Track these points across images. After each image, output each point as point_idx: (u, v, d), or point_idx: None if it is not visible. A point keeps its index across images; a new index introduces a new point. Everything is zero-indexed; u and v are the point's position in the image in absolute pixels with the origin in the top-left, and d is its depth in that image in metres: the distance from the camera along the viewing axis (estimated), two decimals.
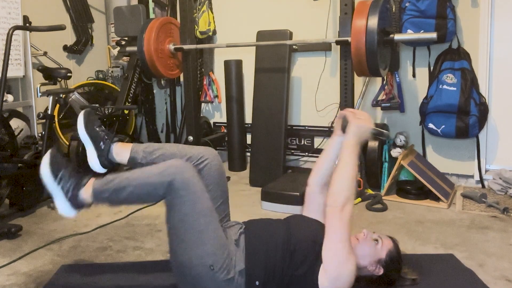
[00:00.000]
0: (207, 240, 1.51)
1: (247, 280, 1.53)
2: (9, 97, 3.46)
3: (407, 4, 2.96)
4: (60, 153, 1.68)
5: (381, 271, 1.58)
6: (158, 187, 1.53)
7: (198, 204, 1.53)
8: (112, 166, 1.80)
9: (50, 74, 3.26)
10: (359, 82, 3.27)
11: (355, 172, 1.57)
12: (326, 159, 1.85)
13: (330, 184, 1.58)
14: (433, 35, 2.59)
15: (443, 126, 2.95)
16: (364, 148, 3.00)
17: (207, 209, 1.55)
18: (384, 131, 1.75)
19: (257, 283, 1.53)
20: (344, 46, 2.68)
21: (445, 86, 2.94)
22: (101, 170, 1.77)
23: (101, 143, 1.75)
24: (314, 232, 1.64)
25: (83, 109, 1.82)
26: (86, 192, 1.59)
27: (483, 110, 2.90)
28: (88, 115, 1.77)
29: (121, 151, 1.76)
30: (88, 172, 1.70)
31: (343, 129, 1.73)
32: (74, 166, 1.67)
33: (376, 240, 1.61)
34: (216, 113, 4.16)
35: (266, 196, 2.78)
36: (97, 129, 1.77)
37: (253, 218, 1.83)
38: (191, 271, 1.52)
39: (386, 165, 3.02)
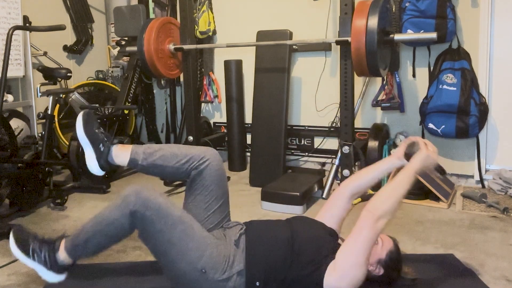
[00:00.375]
0: (190, 246, 1.52)
1: (247, 280, 1.53)
2: (9, 97, 3.47)
3: (407, 4, 2.96)
4: (21, 228, 1.71)
5: (381, 271, 1.58)
6: (122, 221, 1.53)
7: (167, 217, 1.53)
8: (111, 169, 1.79)
9: (50, 74, 3.27)
10: (359, 82, 3.27)
11: (404, 195, 1.56)
12: (372, 174, 1.82)
13: (377, 192, 1.56)
14: (433, 35, 2.59)
15: (443, 126, 2.95)
16: (364, 148, 3.00)
17: (179, 218, 1.55)
18: (444, 169, 1.76)
19: (257, 283, 1.53)
20: (344, 46, 2.68)
21: (445, 86, 2.94)
22: (100, 172, 1.76)
23: (101, 145, 1.74)
24: (319, 233, 1.64)
25: (82, 110, 1.81)
26: (62, 254, 1.62)
27: (483, 110, 2.90)
28: (87, 117, 1.76)
29: (121, 153, 1.75)
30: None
31: (408, 154, 1.71)
32: (38, 235, 1.68)
33: (376, 240, 1.60)
34: (216, 113, 4.16)
35: (266, 196, 2.78)
36: (96, 131, 1.75)
37: (253, 219, 1.83)
38: (185, 279, 1.54)
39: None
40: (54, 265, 1.60)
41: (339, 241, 1.65)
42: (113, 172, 3.46)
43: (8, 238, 2.32)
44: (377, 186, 2.04)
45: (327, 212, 1.82)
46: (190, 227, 1.56)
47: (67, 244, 1.62)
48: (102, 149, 1.73)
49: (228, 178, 3.50)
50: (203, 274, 1.51)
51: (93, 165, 1.74)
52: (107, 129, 3.40)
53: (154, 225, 1.52)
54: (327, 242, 1.60)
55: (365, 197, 2.86)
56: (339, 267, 1.47)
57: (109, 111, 3.51)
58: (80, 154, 3.13)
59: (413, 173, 1.61)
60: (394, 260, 1.60)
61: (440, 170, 1.73)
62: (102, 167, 1.74)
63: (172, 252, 1.52)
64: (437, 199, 2.77)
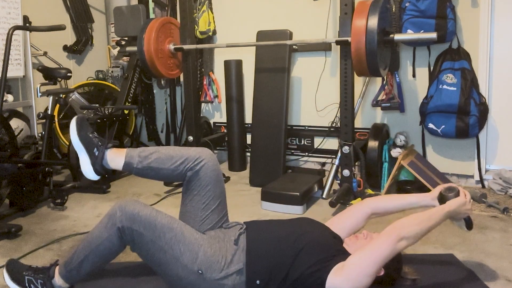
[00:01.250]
0: (182, 251, 1.54)
1: (248, 279, 1.53)
2: (9, 97, 3.47)
3: (407, 4, 2.96)
4: (14, 261, 1.73)
5: (382, 272, 1.58)
6: (111, 239, 1.56)
7: (155, 227, 1.55)
8: (106, 173, 1.79)
9: (50, 74, 3.26)
10: (359, 82, 3.27)
11: (429, 230, 1.55)
12: (398, 202, 1.83)
13: (410, 216, 1.56)
14: (433, 35, 2.59)
15: (443, 126, 2.95)
16: (364, 148, 3.00)
17: (166, 225, 1.57)
18: (473, 224, 1.78)
19: (258, 282, 1.53)
20: (344, 46, 2.68)
21: (445, 86, 2.94)
22: (95, 177, 1.77)
23: (95, 150, 1.74)
24: (325, 235, 1.65)
25: (77, 114, 1.81)
26: (58, 281, 1.65)
27: (483, 110, 2.90)
28: (80, 122, 1.76)
29: (116, 157, 1.75)
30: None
31: (442, 197, 1.71)
32: (32, 266, 1.70)
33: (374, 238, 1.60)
34: (216, 113, 4.17)
35: (266, 196, 2.78)
36: (90, 135, 1.75)
37: (253, 219, 1.83)
38: (182, 283, 1.55)
39: (386, 165, 3.02)
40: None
41: (344, 245, 1.64)
42: (112, 175, 3.46)
43: (8, 238, 2.34)
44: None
45: (340, 222, 1.82)
46: (180, 232, 1.58)
47: (61, 270, 1.65)
48: (96, 153, 1.73)
49: (228, 178, 3.50)
50: (200, 275, 1.52)
51: (87, 170, 1.75)
52: (107, 129, 3.40)
53: (143, 237, 1.54)
54: (332, 244, 1.60)
55: (365, 197, 2.86)
56: (347, 270, 1.46)
57: (109, 111, 3.51)
58: None
59: (446, 213, 1.61)
60: (395, 260, 1.60)
61: (469, 223, 1.74)
62: (97, 172, 1.74)
63: (166, 259, 1.54)
64: None
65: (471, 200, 1.72)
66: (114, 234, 1.56)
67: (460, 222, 1.76)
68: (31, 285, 1.63)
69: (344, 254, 1.54)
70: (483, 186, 3.06)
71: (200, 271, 1.52)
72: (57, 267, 1.66)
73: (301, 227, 1.66)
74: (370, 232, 1.66)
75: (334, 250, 1.55)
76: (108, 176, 3.36)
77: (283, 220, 1.78)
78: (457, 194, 1.69)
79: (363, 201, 1.88)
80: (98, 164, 1.73)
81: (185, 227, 1.62)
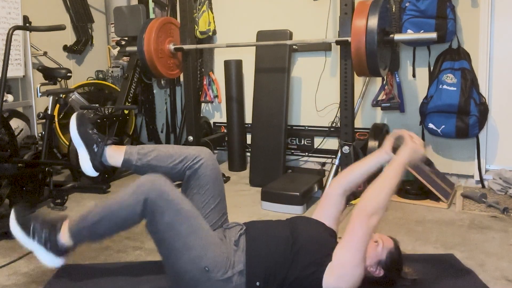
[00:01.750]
0: (195, 243, 1.52)
1: (248, 280, 1.53)
2: (9, 97, 3.47)
3: (407, 4, 2.96)
4: (23, 207, 1.68)
5: (382, 273, 1.58)
6: (134, 207, 1.52)
7: (178, 211, 1.53)
8: (105, 170, 1.79)
9: (50, 74, 3.27)
10: (359, 82, 3.27)
11: (393, 190, 1.56)
12: (360, 169, 1.82)
13: (366, 190, 1.56)
14: (433, 35, 2.59)
15: (443, 126, 2.95)
16: (364, 148, 3.00)
17: (188, 213, 1.55)
18: (432, 161, 1.77)
19: (257, 283, 1.53)
20: (344, 46, 2.68)
21: (445, 86, 2.94)
22: (94, 173, 1.76)
23: (94, 146, 1.73)
24: (320, 233, 1.64)
25: (78, 111, 1.80)
26: (63, 236, 1.59)
27: (483, 110, 2.90)
28: (80, 118, 1.75)
29: (115, 154, 1.74)
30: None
31: (395, 148, 1.71)
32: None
33: (377, 241, 1.60)
34: (216, 113, 4.17)
35: (266, 196, 2.78)
36: (90, 131, 1.75)
37: (253, 219, 1.83)
38: (186, 277, 1.53)
39: (386, 165, 3.02)
40: (53, 247, 1.58)
41: (338, 240, 1.65)
42: (112, 172, 3.46)
43: (8, 238, 2.33)
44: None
45: (323, 212, 1.82)
46: (198, 224, 1.56)
47: (72, 226, 1.59)
48: (95, 150, 1.72)
49: (228, 178, 3.50)
50: (205, 273, 1.50)
51: (86, 166, 1.74)
52: (107, 129, 3.40)
53: (164, 217, 1.51)
54: (328, 243, 1.60)
55: None
56: (336, 268, 1.47)
57: (109, 111, 3.51)
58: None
59: (401, 167, 1.61)
60: (395, 261, 1.60)
61: (428, 162, 1.73)
62: (96, 168, 1.73)
63: (177, 246, 1.51)
64: (437, 199, 2.77)
65: (420, 141, 1.69)
66: (138, 203, 1.51)
67: (421, 165, 1.77)
68: (35, 234, 1.58)
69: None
70: (483, 186, 3.06)
71: (206, 268, 1.50)
72: (66, 223, 1.61)
73: (298, 227, 1.66)
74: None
75: (330, 249, 1.55)
76: (107, 174, 3.36)
77: (280, 220, 1.78)
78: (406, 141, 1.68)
79: (331, 184, 1.87)
80: (97, 160, 1.72)
81: (202, 221, 1.60)
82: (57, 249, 1.59)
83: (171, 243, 1.53)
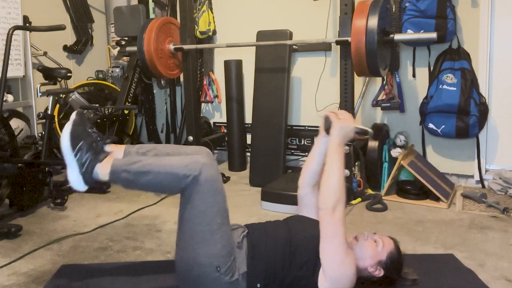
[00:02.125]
0: (218, 240, 1.50)
1: (249, 282, 1.54)
2: (9, 97, 3.47)
3: (407, 4, 2.96)
4: (83, 121, 1.64)
5: (382, 273, 1.58)
6: (182, 179, 1.50)
7: (216, 203, 1.52)
8: (95, 184, 1.75)
9: (50, 74, 3.26)
10: (359, 82, 3.27)
11: (342, 172, 1.56)
12: (313, 160, 1.84)
13: (319, 188, 1.57)
14: (433, 35, 2.59)
15: (443, 126, 2.95)
16: (364, 148, 3.00)
17: (223, 210, 1.55)
18: (368, 129, 1.75)
19: (258, 285, 1.53)
20: (344, 46, 2.68)
21: (445, 86, 2.94)
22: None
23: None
24: (314, 232, 1.64)
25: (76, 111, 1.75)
26: (102, 169, 1.57)
27: (483, 110, 2.90)
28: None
29: (114, 152, 1.71)
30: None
31: (327, 130, 1.72)
32: (95, 138, 1.63)
33: (376, 241, 1.60)
34: (216, 113, 4.17)
35: (266, 196, 2.78)
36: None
37: (253, 219, 1.82)
38: (196, 270, 1.51)
39: (386, 165, 3.02)
40: (87, 173, 1.56)
41: None
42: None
43: (8, 238, 2.34)
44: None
45: (305, 207, 1.84)
46: (227, 224, 1.56)
47: (116, 164, 1.56)
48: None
49: (228, 178, 3.50)
50: (215, 272, 1.49)
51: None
52: (107, 129, 3.39)
53: (201, 204, 1.50)
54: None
55: (365, 197, 2.87)
56: (326, 271, 1.48)
57: (109, 111, 3.51)
58: None
59: (337, 148, 1.61)
60: (395, 261, 1.60)
61: (362, 132, 1.73)
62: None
63: (201, 236, 1.50)
64: (437, 199, 2.77)
65: (346, 115, 1.69)
66: (188, 177, 1.48)
67: (359, 138, 1.76)
68: (78, 152, 1.56)
69: None
70: (483, 186, 3.06)
71: (218, 268, 1.49)
72: (112, 158, 1.59)
73: (293, 227, 1.67)
74: (370, 232, 1.65)
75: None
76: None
77: (278, 221, 1.78)
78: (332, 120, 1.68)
79: (298, 186, 1.89)
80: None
81: (228, 222, 1.59)
82: (89, 177, 1.57)
83: (195, 231, 1.51)
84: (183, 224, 1.55)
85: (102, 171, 1.57)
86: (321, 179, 1.57)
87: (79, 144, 1.57)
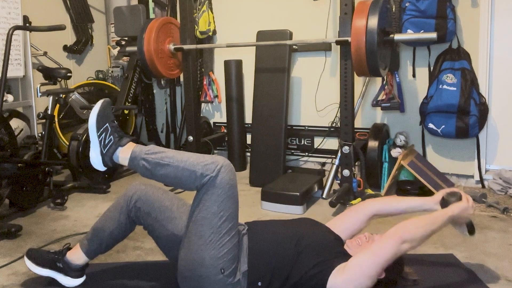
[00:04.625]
0: (225, 244, 1.51)
1: (249, 280, 1.53)
2: (9, 97, 3.47)
3: (407, 4, 2.96)
4: (110, 106, 1.68)
5: (383, 275, 1.58)
6: (199, 177, 1.51)
7: (229, 208, 1.52)
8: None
9: (50, 74, 3.26)
10: (359, 82, 3.27)
11: (432, 234, 1.54)
12: (400, 205, 1.81)
13: (414, 218, 1.55)
14: (433, 35, 2.59)
15: (443, 126, 2.95)
16: (364, 148, 3.00)
17: (233, 214, 1.55)
18: (473, 227, 1.77)
19: (259, 283, 1.53)
20: (344, 46, 2.68)
21: (445, 86, 2.94)
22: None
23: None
24: (325, 236, 1.64)
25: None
26: (124, 153, 1.60)
27: (483, 110, 2.90)
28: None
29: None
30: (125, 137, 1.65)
31: (445, 202, 1.71)
32: (116, 125, 1.66)
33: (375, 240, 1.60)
34: (216, 113, 4.17)
35: (266, 196, 2.78)
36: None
37: (253, 219, 1.82)
38: (200, 270, 1.51)
39: (386, 165, 3.02)
40: (107, 155, 1.61)
41: (345, 247, 1.64)
42: (113, 172, 3.46)
43: (8, 238, 2.34)
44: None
45: (342, 223, 1.80)
46: (236, 229, 1.56)
47: (137, 151, 1.59)
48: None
49: None
50: (219, 274, 1.49)
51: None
52: None
53: (215, 205, 1.51)
54: (333, 245, 1.59)
55: (365, 197, 2.86)
56: (349, 271, 1.45)
57: None
58: (80, 154, 3.13)
59: (448, 217, 1.60)
60: (396, 263, 1.60)
61: (471, 227, 1.73)
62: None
63: (209, 237, 1.50)
64: None
65: (474, 205, 1.71)
66: (206, 177, 1.50)
67: (462, 228, 1.76)
68: (103, 134, 1.60)
69: (344, 256, 1.54)
70: (483, 186, 3.06)
71: (222, 270, 1.49)
72: (133, 145, 1.61)
73: (302, 228, 1.66)
74: (371, 234, 1.65)
75: (334, 252, 1.54)
76: (108, 175, 3.36)
77: (283, 220, 1.78)
78: (460, 199, 1.69)
79: (365, 202, 1.86)
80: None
81: (237, 227, 1.59)
82: (109, 159, 1.60)
83: (204, 232, 1.51)
84: (192, 224, 1.55)
85: (123, 155, 1.60)
86: (420, 216, 1.55)
87: (105, 126, 1.60)
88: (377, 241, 1.51)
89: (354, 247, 1.61)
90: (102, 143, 1.60)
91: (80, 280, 1.79)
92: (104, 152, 1.60)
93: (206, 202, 1.52)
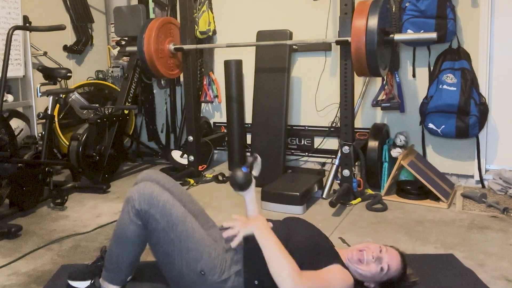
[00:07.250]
0: (189, 247, 1.53)
1: (246, 279, 1.54)
2: (9, 97, 3.47)
3: (407, 4, 2.96)
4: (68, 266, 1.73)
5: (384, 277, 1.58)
6: (131, 223, 1.54)
7: (170, 216, 1.54)
8: None
9: (50, 74, 3.26)
10: (359, 82, 3.27)
11: (274, 248, 1.48)
12: None
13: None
14: (433, 35, 2.59)
15: (443, 126, 2.95)
16: (364, 148, 3.00)
17: (180, 217, 1.56)
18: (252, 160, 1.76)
19: (256, 282, 1.53)
20: (344, 46, 2.68)
21: (445, 86, 2.94)
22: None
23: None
24: (313, 235, 1.65)
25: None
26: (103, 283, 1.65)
27: (483, 110, 2.90)
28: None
29: None
30: None
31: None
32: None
33: (382, 267, 1.55)
34: (216, 113, 4.16)
35: (266, 196, 2.78)
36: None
37: None
38: (184, 281, 1.55)
39: (386, 165, 3.02)
40: None
41: (345, 256, 1.64)
42: (111, 174, 3.46)
43: (8, 238, 2.34)
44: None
45: None
46: (191, 228, 1.57)
47: (104, 275, 1.64)
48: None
49: (228, 178, 3.49)
50: (201, 276, 1.52)
51: None
52: (107, 129, 3.39)
53: (158, 224, 1.53)
54: (321, 243, 1.61)
55: (365, 197, 2.87)
56: (304, 280, 1.44)
57: (109, 111, 3.51)
58: (80, 154, 3.13)
59: (260, 232, 1.54)
60: (400, 276, 1.59)
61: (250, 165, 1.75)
62: None
63: (173, 252, 1.54)
64: (437, 199, 2.77)
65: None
66: (132, 216, 1.54)
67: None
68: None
69: (328, 257, 1.54)
70: (483, 186, 3.06)
71: (202, 272, 1.52)
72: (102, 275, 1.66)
73: (290, 228, 1.67)
74: (373, 250, 1.58)
75: (322, 249, 1.55)
76: (108, 175, 3.36)
77: (276, 220, 1.78)
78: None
79: None
80: None
81: (195, 223, 1.60)
82: None
83: (166, 250, 1.54)
84: (154, 248, 1.59)
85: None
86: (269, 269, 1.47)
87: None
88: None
89: (351, 257, 1.60)
90: None
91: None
92: None
93: (151, 225, 1.54)
